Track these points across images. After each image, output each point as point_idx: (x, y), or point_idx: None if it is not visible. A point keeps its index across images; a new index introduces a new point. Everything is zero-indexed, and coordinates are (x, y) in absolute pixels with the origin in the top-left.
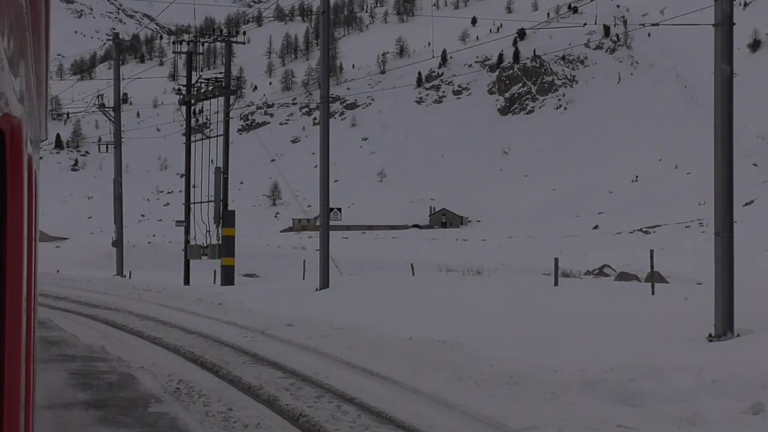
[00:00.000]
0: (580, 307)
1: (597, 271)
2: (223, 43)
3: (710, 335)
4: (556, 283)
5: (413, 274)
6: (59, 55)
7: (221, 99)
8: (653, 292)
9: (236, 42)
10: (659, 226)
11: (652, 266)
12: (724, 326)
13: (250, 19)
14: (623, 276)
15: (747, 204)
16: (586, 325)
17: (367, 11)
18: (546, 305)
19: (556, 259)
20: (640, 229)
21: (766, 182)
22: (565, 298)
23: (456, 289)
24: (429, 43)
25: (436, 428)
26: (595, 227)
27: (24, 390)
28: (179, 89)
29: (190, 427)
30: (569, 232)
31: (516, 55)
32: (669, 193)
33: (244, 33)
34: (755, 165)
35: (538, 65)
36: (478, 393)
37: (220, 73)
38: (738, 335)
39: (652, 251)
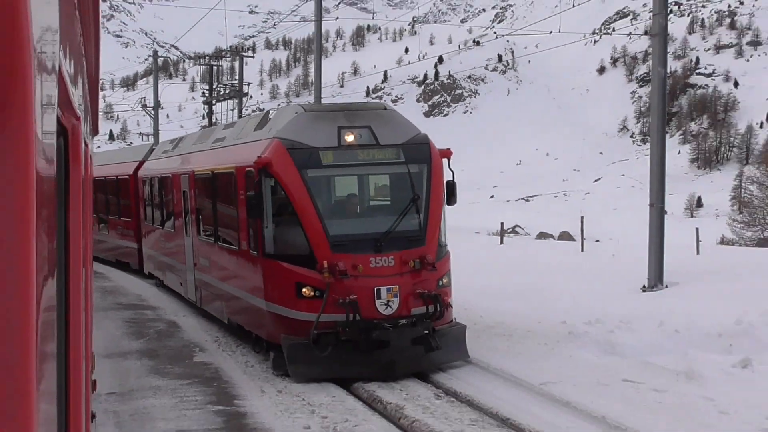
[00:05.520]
0: (549, 263)
1: (510, 230)
2: (234, 61)
3: (644, 287)
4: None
5: None
6: (110, 73)
7: (230, 103)
8: (582, 249)
9: (247, 56)
10: (536, 196)
11: (582, 230)
12: (655, 279)
13: (247, 48)
14: (542, 235)
15: (596, 180)
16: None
17: (329, 42)
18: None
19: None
20: (523, 198)
21: (608, 166)
22: (531, 256)
23: None
24: (375, 66)
25: None
26: (491, 197)
27: (84, 339)
28: (203, 92)
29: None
30: (472, 200)
31: (436, 75)
32: (542, 173)
33: (254, 50)
34: (601, 153)
35: (451, 82)
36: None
37: (235, 79)
38: (666, 287)
39: (582, 218)
